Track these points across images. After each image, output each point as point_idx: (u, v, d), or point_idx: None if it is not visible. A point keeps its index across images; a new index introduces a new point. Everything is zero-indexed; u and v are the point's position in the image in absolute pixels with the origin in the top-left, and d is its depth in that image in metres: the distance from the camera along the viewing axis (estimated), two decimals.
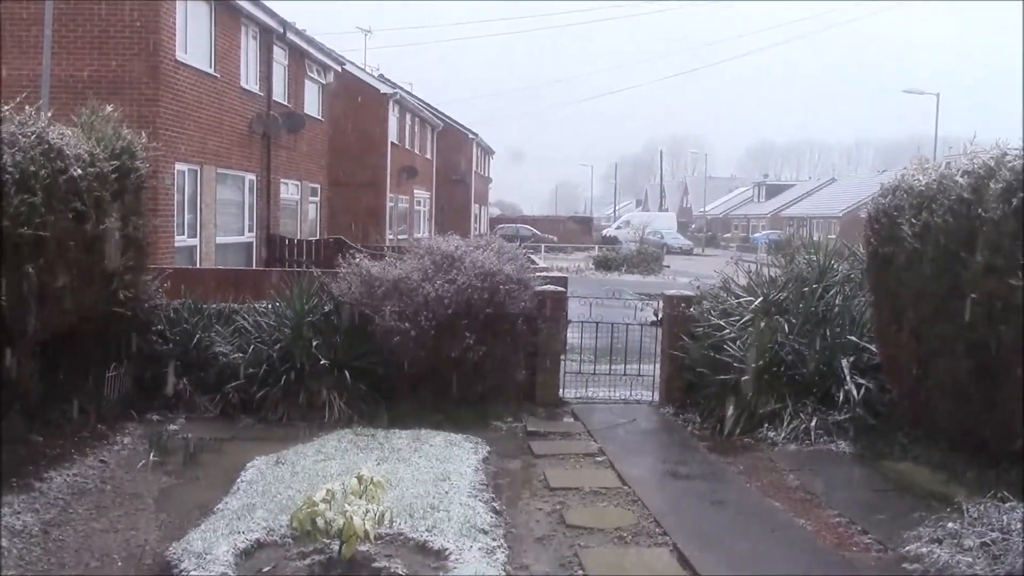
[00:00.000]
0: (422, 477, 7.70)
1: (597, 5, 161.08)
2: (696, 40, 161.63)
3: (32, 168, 7.33)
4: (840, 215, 66.28)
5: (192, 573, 5.61)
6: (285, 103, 23.01)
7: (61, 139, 8.05)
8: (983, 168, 7.39)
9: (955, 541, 6.25)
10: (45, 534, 6.38)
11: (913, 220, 8.04)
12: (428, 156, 44.36)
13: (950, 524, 6.51)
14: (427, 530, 6.40)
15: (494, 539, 6.40)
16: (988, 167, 7.33)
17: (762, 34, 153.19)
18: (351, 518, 5.47)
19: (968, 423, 7.84)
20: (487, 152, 62.90)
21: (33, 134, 7.56)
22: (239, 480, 7.61)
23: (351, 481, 5.92)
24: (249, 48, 20.64)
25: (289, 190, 24.02)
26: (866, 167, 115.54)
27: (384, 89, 34.90)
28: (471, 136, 52.78)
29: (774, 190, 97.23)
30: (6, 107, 7.47)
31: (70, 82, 15.33)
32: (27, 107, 8.00)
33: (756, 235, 77.58)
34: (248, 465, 8.00)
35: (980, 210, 7.18)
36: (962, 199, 7.44)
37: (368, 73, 36.58)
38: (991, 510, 6.61)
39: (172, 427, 9.36)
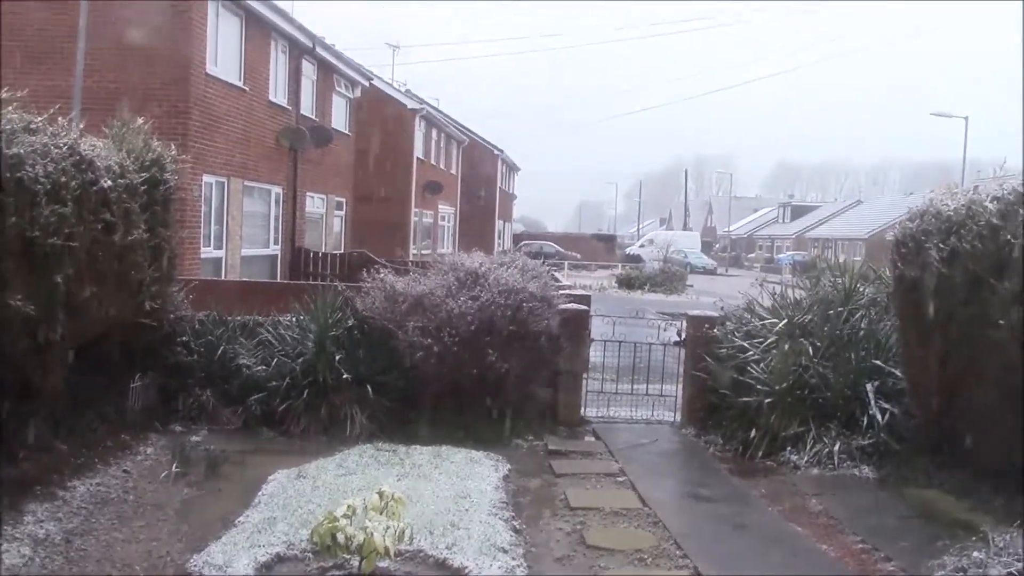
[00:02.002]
0: (442, 494, 7.69)
1: (624, 24, 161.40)
2: (722, 60, 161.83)
3: (63, 179, 7.40)
4: (866, 237, 65.89)
5: None
6: (313, 117, 23.15)
7: (92, 151, 8.14)
8: (1012, 194, 7.34)
9: (980, 571, 6.18)
10: (67, 543, 6.42)
11: (941, 245, 7.99)
12: (453, 171, 44.48)
13: (975, 553, 6.43)
14: (447, 548, 6.39)
15: (513, 558, 6.39)
16: (1018, 193, 7.28)
17: (790, 55, 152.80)
18: (371, 534, 5.48)
19: (995, 451, 7.75)
20: (512, 168, 63.01)
21: (65, 145, 7.64)
22: (260, 493, 7.64)
23: (372, 497, 5.93)
24: (278, 62, 20.80)
25: (315, 203, 24.15)
26: (892, 189, 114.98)
27: (411, 104, 35.05)
28: (496, 152, 52.90)
29: (799, 211, 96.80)
30: (39, 119, 7.56)
31: (102, 94, 15.48)
32: (60, 119, 8.10)
33: (781, 256, 77.19)
34: (270, 478, 8.02)
35: (1009, 236, 7.12)
36: (991, 225, 7.39)
37: (395, 88, 36.73)
38: (1017, 539, 6.53)
39: (195, 438, 9.40)
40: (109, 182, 8.17)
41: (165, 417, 9.80)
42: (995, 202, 7.49)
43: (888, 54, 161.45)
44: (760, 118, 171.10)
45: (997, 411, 7.55)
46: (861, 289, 10.77)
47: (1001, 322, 7.14)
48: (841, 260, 15.52)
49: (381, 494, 5.92)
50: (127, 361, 9.68)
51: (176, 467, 8.27)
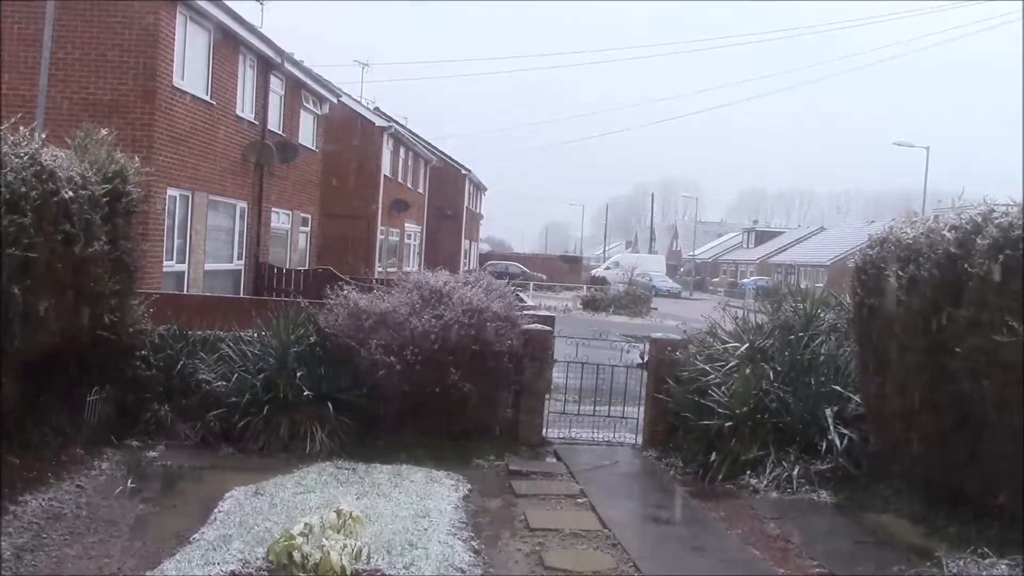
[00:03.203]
0: (402, 513, 7.65)
1: (592, 48, 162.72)
2: (690, 87, 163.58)
3: (23, 189, 7.32)
4: (828, 263, 66.65)
5: None
6: (280, 132, 23.09)
7: (54, 161, 8.06)
8: (970, 223, 7.45)
9: None
10: (17, 559, 6.30)
11: (900, 272, 8.09)
12: (420, 190, 44.48)
13: None
14: (405, 567, 6.35)
15: None
16: (975, 223, 7.39)
17: (755, 83, 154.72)
18: (328, 553, 5.44)
19: (950, 477, 7.84)
20: (479, 188, 63.13)
21: (26, 155, 7.56)
22: (217, 510, 7.55)
23: (330, 515, 5.89)
24: (246, 77, 20.74)
25: (280, 219, 24.04)
26: (855, 217, 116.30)
27: (379, 122, 35.05)
28: (464, 172, 52.98)
29: (763, 236, 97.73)
30: (1, 127, 7.48)
31: (66, 104, 15.38)
32: (21, 128, 8.01)
33: (744, 281, 77.78)
34: (226, 495, 7.93)
35: (967, 265, 7.22)
36: (949, 254, 7.49)
37: (364, 106, 36.72)
38: (971, 565, 6.61)
39: (151, 454, 9.29)
40: (70, 193, 8.09)
41: (122, 432, 9.66)
42: (953, 231, 7.60)
43: (853, 84, 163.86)
44: (726, 144, 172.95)
45: (952, 439, 7.64)
46: (822, 315, 10.88)
47: (957, 350, 7.23)
48: (803, 286, 15.68)
49: (339, 512, 5.88)
50: (84, 374, 9.55)
51: (131, 482, 8.15)
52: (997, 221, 7.15)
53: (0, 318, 7.28)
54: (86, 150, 9.35)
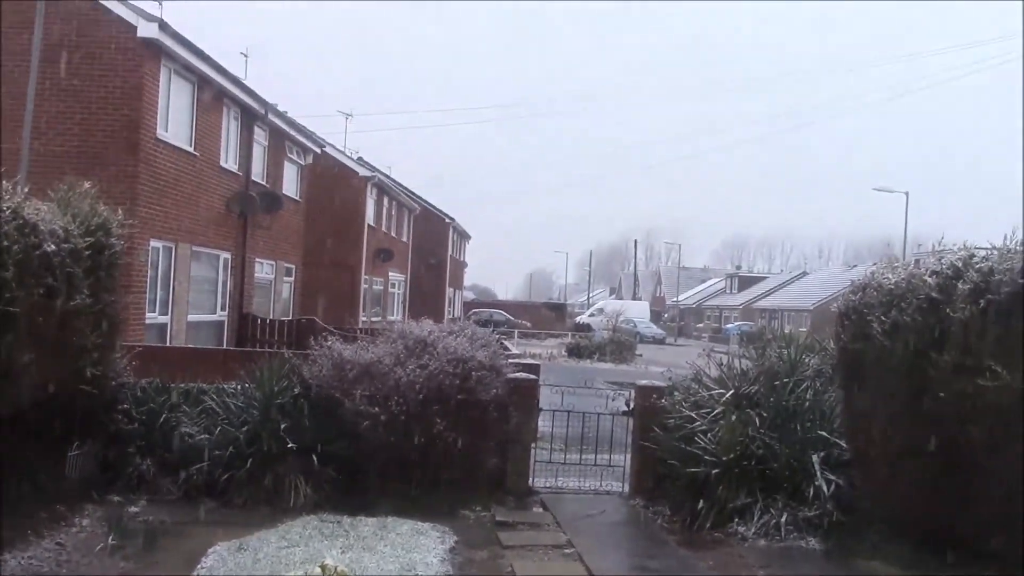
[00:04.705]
0: (387, 567, 7.57)
1: (570, 96, 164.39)
2: (675, 133, 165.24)
3: (5, 243, 7.30)
4: (811, 308, 66.90)
5: None
6: (264, 183, 23.13)
7: (36, 214, 8.04)
8: (951, 268, 7.52)
9: None
10: None
11: (883, 318, 8.13)
12: (404, 239, 44.57)
13: None
14: None
15: None
16: (956, 267, 7.46)
17: (741, 128, 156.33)
18: None
19: (940, 521, 7.82)
20: (463, 236, 63.31)
21: (8, 209, 7.54)
22: (199, 567, 7.45)
23: (314, 571, 5.82)
24: (230, 128, 20.81)
25: (264, 269, 24.00)
26: (837, 261, 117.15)
27: (363, 172, 35.18)
28: (448, 220, 53.15)
29: (746, 282, 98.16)
30: None
31: (49, 156, 15.36)
32: (4, 181, 8.00)
33: (728, 326, 78.03)
34: (210, 551, 7.83)
35: (948, 310, 7.28)
36: (931, 299, 7.55)
37: (347, 156, 36.86)
38: None
39: (133, 509, 9.17)
40: (52, 246, 8.06)
41: (103, 487, 9.53)
42: (934, 276, 7.66)
43: (833, 130, 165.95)
44: (709, 190, 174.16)
45: (941, 483, 7.63)
46: (806, 360, 10.90)
47: (941, 395, 7.25)
48: (787, 330, 15.72)
49: (324, 567, 5.81)
50: (65, 428, 9.44)
51: (112, 539, 8.02)
52: (978, 266, 7.22)
53: None
54: (69, 203, 9.33)
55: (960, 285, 7.25)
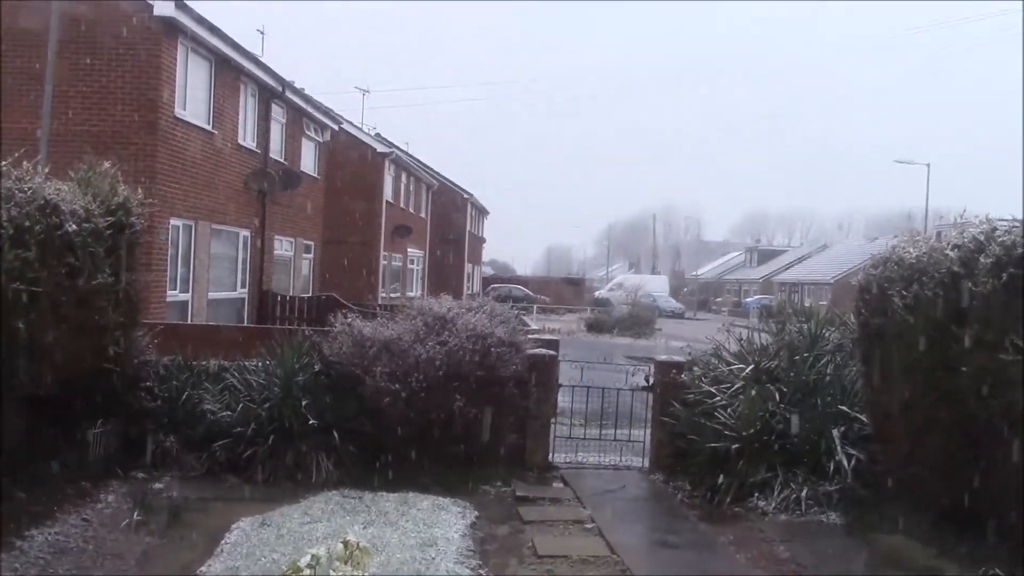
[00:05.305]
0: (409, 542, 7.62)
1: (599, 79, 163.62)
2: (695, 111, 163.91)
3: (27, 223, 7.35)
4: (831, 281, 66.53)
5: None
6: (282, 160, 23.15)
7: (57, 195, 8.09)
8: (973, 242, 7.44)
9: None
10: None
11: (904, 292, 8.08)
12: (423, 215, 44.54)
13: None
14: None
15: None
16: (978, 241, 7.38)
17: (759, 105, 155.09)
18: None
19: (959, 496, 7.79)
20: (482, 212, 63.20)
21: (30, 189, 7.59)
22: (223, 542, 7.53)
23: (337, 546, 5.84)
24: (248, 106, 20.80)
25: (283, 246, 24.06)
26: (857, 235, 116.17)
27: (380, 148, 35.14)
28: (466, 196, 53.06)
29: (766, 255, 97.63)
30: (4, 162, 7.51)
31: (69, 137, 15.41)
32: (25, 162, 8.04)
33: (748, 300, 77.70)
34: (233, 526, 7.91)
35: (970, 284, 7.21)
36: (952, 273, 7.49)
37: (365, 132, 36.81)
38: None
39: (157, 485, 9.26)
40: (74, 226, 8.11)
41: (127, 464, 9.64)
42: (956, 250, 7.59)
43: (856, 103, 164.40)
44: (730, 164, 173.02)
45: (959, 458, 7.61)
46: (827, 335, 10.86)
47: (962, 369, 7.21)
48: (807, 304, 15.65)
49: (346, 543, 5.84)
50: (90, 407, 9.54)
51: (137, 515, 8.12)
52: (1000, 239, 7.14)
53: (4, 353, 7.28)
54: (89, 183, 9.37)
55: (982, 259, 7.17)
